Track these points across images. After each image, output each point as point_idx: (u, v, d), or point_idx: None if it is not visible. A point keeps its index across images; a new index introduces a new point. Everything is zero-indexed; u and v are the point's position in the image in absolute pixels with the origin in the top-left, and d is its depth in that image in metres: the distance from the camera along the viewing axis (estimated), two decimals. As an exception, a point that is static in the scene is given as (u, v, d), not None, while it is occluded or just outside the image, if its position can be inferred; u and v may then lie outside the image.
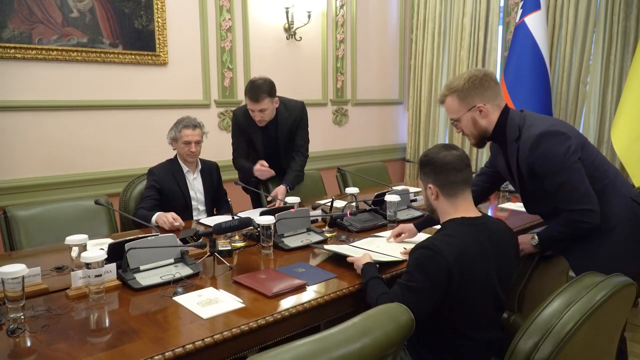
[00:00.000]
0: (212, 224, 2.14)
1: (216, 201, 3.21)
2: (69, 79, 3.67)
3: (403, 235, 2.33)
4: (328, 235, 2.46)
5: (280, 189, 3.15)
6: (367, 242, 2.31)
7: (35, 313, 1.66)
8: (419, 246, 1.70)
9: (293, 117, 3.29)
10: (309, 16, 4.82)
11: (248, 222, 2.16)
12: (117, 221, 2.84)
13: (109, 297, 1.81)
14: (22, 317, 1.63)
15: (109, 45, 3.82)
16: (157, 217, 2.68)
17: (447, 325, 1.71)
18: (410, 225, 2.34)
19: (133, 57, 3.93)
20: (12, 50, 3.43)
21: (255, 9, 4.57)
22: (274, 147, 3.31)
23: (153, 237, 2.00)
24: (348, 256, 2.02)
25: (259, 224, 2.23)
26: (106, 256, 1.81)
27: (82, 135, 3.76)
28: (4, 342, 1.51)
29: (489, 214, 2.89)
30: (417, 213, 2.83)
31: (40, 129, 3.59)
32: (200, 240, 2.00)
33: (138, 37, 3.94)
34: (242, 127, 3.30)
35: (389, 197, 2.65)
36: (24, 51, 3.48)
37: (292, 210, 2.44)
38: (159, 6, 4.02)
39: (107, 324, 1.64)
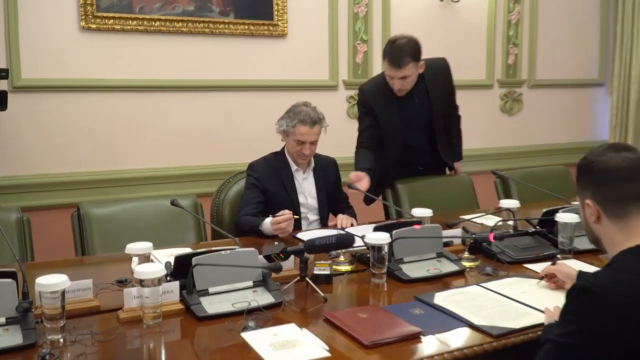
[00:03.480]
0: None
1: (333, 207, 3.12)
2: (172, 53, 3.86)
3: (559, 280, 2.03)
4: (467, 264, 2.28)
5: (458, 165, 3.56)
6: (509, 285, 2.07)
7: (76, 337, 1.68)
8: (577, 287, 1.49)
9: (442, 79, 3.36)
10: (472, -30, 4.55)
11: (349, 239, 2.07)
12: (206, 226, 2.86)
13: (166, 325, 1.78)
14: (61, 340, 1.65)
15: (219, 13, 3.93)
16: (273, 226, 2.64)
17: None
18: (568, 268, 2.03)
19: (246, 27, 4.01)
20: (111, 21, 3.68)
21: (399, -36, 4.45)
22: (423, 122, 3.35)
23: (228, 251, 1.94)
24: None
25: (368, 244, 2.10)
26: (165, 272, 1.78)
27: (182, 122, 3.94)
28: (32, 369, 1.54)
29: None
30: None
31: (132, 112, 3.81)
32: (276, 263, 1.91)
33: (253, 4, 4.01)
34: (371, 105, 3.32)
35: (562, 217, 2.36)
36: (124, 22, 3.72)
37: (418, 227, 2.25)
38: (279, -35, 4.05)
39: (154, 362, 1.60)
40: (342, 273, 2.21)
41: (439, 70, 3.35)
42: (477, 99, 4.82)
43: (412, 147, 3.39)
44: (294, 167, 3.02)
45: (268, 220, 2.70)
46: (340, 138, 4.04)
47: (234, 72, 4.03)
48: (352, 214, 3.07)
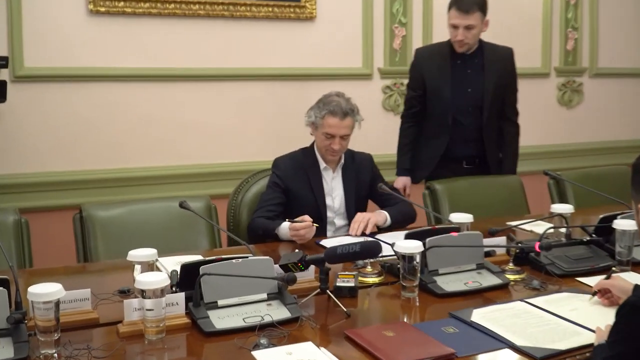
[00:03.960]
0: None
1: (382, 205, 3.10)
2: (187, 39, 3.89)
3: (613, 295, 1.99)
4: (511, 277, 2.26)
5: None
6: (558, 300, 2.04)
7: (71, 352, 1.69)
8: (627, 304, 1.51)
9: (502, 65, 3.55)
10: (524, -57, 4.50)
11: (376, 248, 2.04)
12: (221, 232, 2.89)
13: (170, 341, 1.79)
14: (55, 355, 1.67)
15: (240, -6, 3.95)
16: (290, 232, 2.68)
17: None
18: (624, 282, 1.99)
19: (270, 9, 4.03)
20: (121, 4, 3.73)
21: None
22: (472, 101, 3.50)
23: (240, 259, 1.94)
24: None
25: (398, 252, 2.08)
26: (169, 282, 1.79)
27: (198, 115, 3.97)
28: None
29: None
30: None
31: (142, 104, 3.85)
32: (289, 274, 1.90)
33: (277, -17, 4.03)
34: (422, 68, 3.57)
35: (619, 223, 2.34)
36: (135, 4, 3.76)
37: (455, 234, 2.23)
38: (307, -61, 4.06)
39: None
40: (369, 285, 2.20)
41: (502, 56, 3.56)
42: (532, 89, 4.73)
43: (457, 133, 3.50)
44: (322, 164, 3.02)
45: (286, 224, 2.72)
46: (375, 134, 4.04)
47: (256, 59, 4.05)
48: (405, 208, 3.02)
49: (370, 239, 2.17)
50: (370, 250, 2.04)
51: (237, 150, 4.04)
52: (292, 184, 2.96)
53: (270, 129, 4.08)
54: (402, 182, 3.58)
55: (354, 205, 3.03)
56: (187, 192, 3.54)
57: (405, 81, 4.38)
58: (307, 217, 2.67)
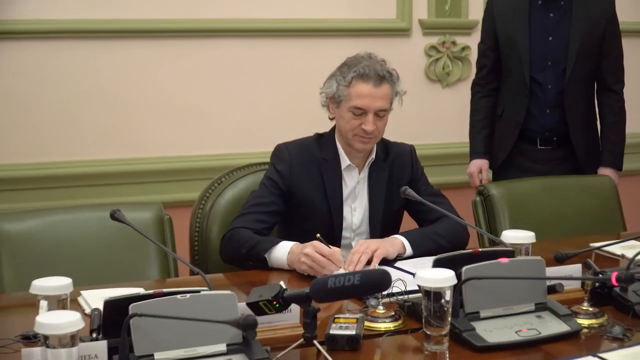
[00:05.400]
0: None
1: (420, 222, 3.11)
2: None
3: None
4: (584, 322, 2.25)
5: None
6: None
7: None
8: None
9: (599, 9, 3.84)
10: None
11: (382, 280, 2.02)
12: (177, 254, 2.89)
13: (85, 410, 1.78)
14: None
15: None
16: (293, 255, 2.67)
17: None
18: None
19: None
20: None
21: None
22: (554, 53, 3.80)
23: (188, 295, 1.91)
24: None
25: (421, 287, 2.06)
26: (82, 325, 1.76)
27: (154, 86, 4.00)
28: None
29: None
30: None
31: (74, 71, 3.88)
32: (247, 317, 1.85)
33: None
34: (494, 14, 3.89)
35: None
36: None
37: (505, 260, 2.19)
38: None
39: None
40: (380, 334, 2.18)
41: (597, 2, 3.83)
42: (633, 52, 4.68)
43: (533, 96, 3.79)
44: (345, 161, 2.98)
45: (287, 245, 2.70)
46: (414, 114, 4.03)
47: (245, 8, 4.07)
48: (444, 230, 2.95)
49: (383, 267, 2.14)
50: (375, 283, 2.03)
51: (208, 137, 4.08)
52: (297, 184, 2.95)
53: (262, 107, 4.12)
54: (475, 165, 3.96)
55: (381, 221, 3.02)
56: (133, 197, 3.55)
57: (459, 39, 4.43)
58: (338, 251, 2.63)
